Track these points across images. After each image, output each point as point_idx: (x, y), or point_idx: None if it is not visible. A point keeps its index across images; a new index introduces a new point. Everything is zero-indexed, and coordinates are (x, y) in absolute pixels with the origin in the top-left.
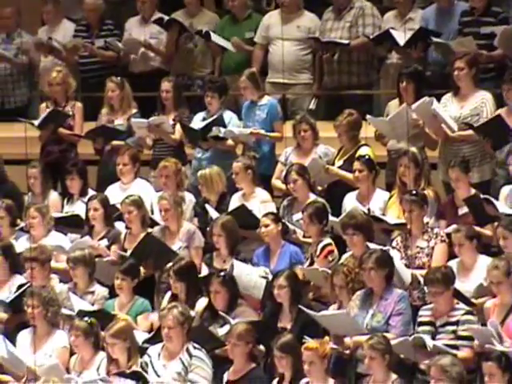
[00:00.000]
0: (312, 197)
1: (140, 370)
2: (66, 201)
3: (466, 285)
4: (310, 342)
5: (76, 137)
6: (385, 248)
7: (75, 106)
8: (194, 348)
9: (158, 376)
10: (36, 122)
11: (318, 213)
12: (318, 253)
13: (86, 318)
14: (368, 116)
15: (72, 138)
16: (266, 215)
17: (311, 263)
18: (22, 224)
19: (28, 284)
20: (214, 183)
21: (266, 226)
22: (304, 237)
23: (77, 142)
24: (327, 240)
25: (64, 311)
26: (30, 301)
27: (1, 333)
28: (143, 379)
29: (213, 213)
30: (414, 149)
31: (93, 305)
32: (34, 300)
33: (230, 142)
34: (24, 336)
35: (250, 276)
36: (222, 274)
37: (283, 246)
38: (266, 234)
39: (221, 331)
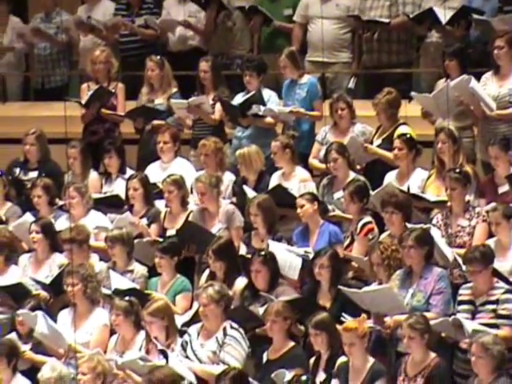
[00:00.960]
0: (352, 175)
1: (179, 350)
2: (104, 180)
3: (503, 264)
4: (348, 322)
5: (119, 117)
6: (425, 226)
7: (117, 86)
8: (231, 327)
9: (196, 355)
10: (83, 101)
11: (359, 191)
12: (358, 231)
13: (126, 298)
14: (413, 93)
15: (115, 118)
16: (301, 196)
17: (351, 241)
18: (61, 203)
19: (67, 264)
20: (252, 162)
21: (302, 206)
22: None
23: (120, 121)
24: (367, 218)
25: (104, 290)
26: (69, 279)
27: (44, 310)
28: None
29: (250, 192)
30: (451, 125)
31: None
32: (72, 278)
33: (269, 120)
34: (64, 315)
35: (285, 256)
36: (263, 253)
37: (322, 226)
38: (302, 214)
39: (261, 310)
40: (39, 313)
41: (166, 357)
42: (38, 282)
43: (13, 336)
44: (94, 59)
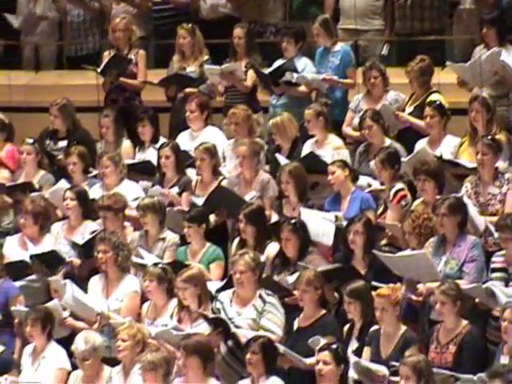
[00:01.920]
0: (388, 142)
1: (222, 316)
2: (137, 148)
3: None
4: (381, 289)
5: (139, 84)
6: (458, 195)
7: (138, 54)
8: (268, 294)
9: (233, 323)
10: (99, 69)
11: (390, 158)
12: (390, 198)
13: (159, 264)
14: (448, 62)
15: (133, 86)
16: (332, 163)
17: (385, 209)
18: (95, 172)
19: (100, 230)
20: (286, 129)
21: (333, 173)
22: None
23: (139, 89)
24: (400, 185)
25: (136, 259)
26: (100, 246)
27: (73, 278)
28: (224, 326)
29: (283, 160)
30: (485, 93)
31: (164, 252)
32: (104, 245)
33: (302, 88)
34: (95, 281)
35: (318, 223)
36: (293, 221)
37: (353, 192)
38: (333, 181)
39: (291, 279)
40: (68, 282)
41: (217, 322)
42: (70, 243)
43: (54, 303)
44: (114, 27)
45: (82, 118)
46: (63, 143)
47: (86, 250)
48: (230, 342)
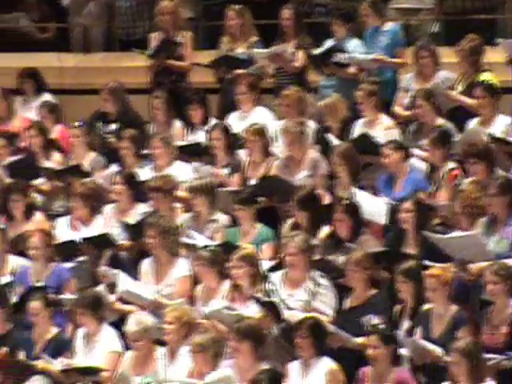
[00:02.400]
0: (440, 121)
1: (274, 300)
2: (188, 130)
3: None
4: (432, 269)
5: (186, 66)
6: (510, 174)
7: (186, 36)
8: (320, 276)
9: (285, 304)
10: (148, 52)
11: (442, 137)
12: (443, 177)
13: (209, 247)
14: (499, 39)
15: (182, 68)
16: (386, 144)
17: (437, 188)
18: (146, 152)
19: (152, 211)
20: (337, 110)
21: (388, 155)
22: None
23: (187, 71)
24: (452, 164)
25: (187, 240)
26: (149, 231)
27: (120, 262)
28: (276, 310)
29: (333, 141)
30: None
31: (215, 233)
32: (153, 230)
33: (352, 69)
34: (146, 265)
35: (372, 202)
36: (346, 201)
37: (407, 174)
38: (388, 163)
39: (343, 260)
40: (120, 273)
41: (269, 305)
42: (122, 225)
43: (101, 287)
44: (161, 9)
45: (132, 100)
46: (114, 126)
47: (136, 231)
48: (282, 324)
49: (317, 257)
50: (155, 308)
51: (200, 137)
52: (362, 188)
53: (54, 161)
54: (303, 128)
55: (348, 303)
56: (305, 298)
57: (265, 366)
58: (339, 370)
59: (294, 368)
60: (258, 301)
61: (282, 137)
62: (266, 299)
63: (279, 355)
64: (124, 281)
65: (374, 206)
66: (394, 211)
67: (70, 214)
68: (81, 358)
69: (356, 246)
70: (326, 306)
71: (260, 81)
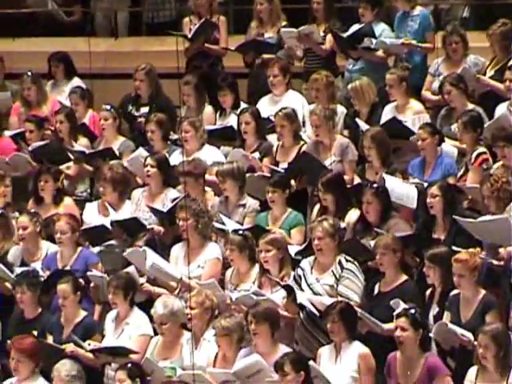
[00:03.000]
0: (470, 106)
1: (291, 284)
2: (218, 115)
3: None
4: (459, 254)
5: (222, 50)
6: None
7: (219, 20)
8: (347, 261)
9: (312, 289)
10: (189, 35)
11: (473, 121)
12: (472, 161)
13: (240, 232)
14: None
15: (218, 52)
16: (423, 128)
17: (465, 172)
18: (175, 137)
19: (182, 196)
20: (365, 94)
21: (424, 139)
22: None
23: (222, 55)
24: (482, 148)
25: (217, 225)
26: (181, 214)
27: (154, 246)
28: (293, 293)
29: (363, 125)
30: None
31: (244, 218)
32: (185, 213)
33: (380, 53)
34: (177, 249)
35: (402, 186)
36: (376, 185)
37: (439, 158)
38: (423, 147)
39: (372, 243)
40: (147, 249)
41: (292, 291)
42: (153, 211)
43: (131, 269)
44: None
45: (162, 85)
46: (145, 109)
47: (168, 217)
48: (308, 309)
49: (347, 239)
50: (184, 288)
51: (231, 121)
52: (392, 172)
53: (81, 146)
54: (331, 112)
55: (378, 288)
56: (330, 282)
57: (284, 349)
58: (370, 354)
59: (324, 353)
60: (279, 284)
61: (310, 120)
62: (284, 283)
63: (307, 340)
64: (152, 256)
65: (405, 191)
66: (423, 196)
67: (93, 199)
68: (111, 340)
69: (385, 231)
70: (350, 290)
71: (290, 65)
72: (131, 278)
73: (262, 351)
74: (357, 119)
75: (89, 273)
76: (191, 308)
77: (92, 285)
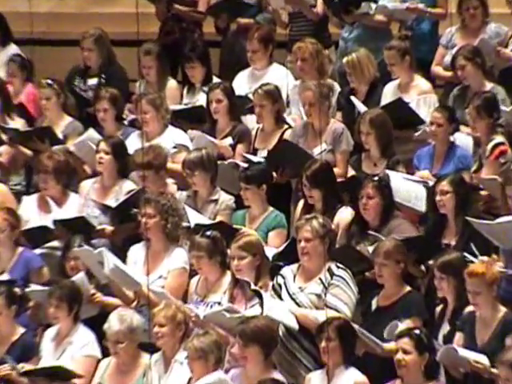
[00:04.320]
0: (488, 86)
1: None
2: (185, 91)
3: None
4: (473, 265)
5: (197, 13)
6: None
7: None
8: (338, 267)
9: (294, 300)
10: None
11: (488, 105)
12: (487, 153)
13: (208, 233)
14: None
15: (193, 15)
16: (440, 111)
17: (480, 166)
18: (131, 117)
19: (137, 189)
20: (363, 69)
21: (440, 125)
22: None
23: (200, 20)
24: (499, 138)
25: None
26: (147, 209)
27: (106, 249)
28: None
29: (360, 106)
30: None
31: (216, 216)
32: (151, 208)
33: (380, 17)
34: (136, 252)
35: (408, 186)
36: (377, 177)
37: (451, 148)
38: (435, 134)
39: (371, 250)
40: (104, 250)
41: (260, 297)
42: (101, 206)
43: (80, 277)
44: None
45: (116, 54)
46: (94, 81)
47: (120, 213)
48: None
49: (339, 245)
50: (142, 300)
51: (200, 99)
52: (395, 163)
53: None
54: (324, 90)
55: (376, 302)
56: (316, 291)
57: (277, 375)
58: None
59: (314, 379)
60: (255, 293)
61: (297, 101)
62: (254, 288)
63: (287, 363)
64: (111, 258)
65: (412, 191)
66: (432, 193)
67: (31, 191)
68: (48, 362)
69: (386, 234)
70: (339, 301)
71: (273, 33)
72: (76, 287)
73: (252, 376)
74: (353, 98)
75: (27, 289)
76: (160, 325)
77: (31, 304)
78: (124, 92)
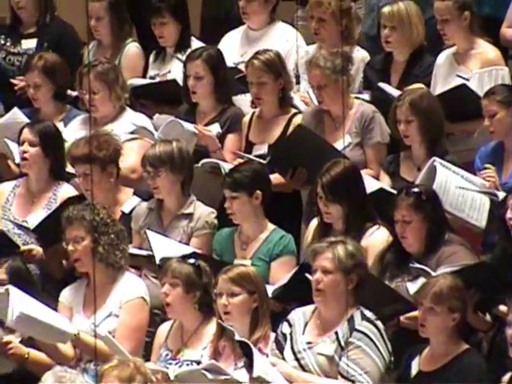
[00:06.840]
0: None
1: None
2: (152, 58)
3: None
4: None
5: None
6: None
7: None
8: (363, 318)
9: (299, 360)
10: None
11: None
12: None
13: (191, 260)
14: None
15: None
16: (488, 95)
17: None
18: (75, 94)
19: (68, 198)
20: (412, 26)
21: (492, 114)
22: None
23: None
24: None
25: (135, 251)
26: (69, 232)
27: (27, 279)
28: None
29: (392, 91)
30: None
31: (189, 238)
32: (75, 229)
33: None
34: (72, 291)
35: (463, 191)
36: (417, 189)
37: None
38: (492, 127)
39: (412, 287)
40: (11, 288)
41: (248, 352)
42: (19, 227)
43: None
44: None
45: (61, 9)
46: (29, 43)
47: (44, 235)
48: None
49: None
50: (84, 352)
51: (173, 71)
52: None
53: None
54: (345, 61)
55: (418, 365)
56: (329, 351)
57: None
58: None
59: None
60: (241, 347)
61: (309, 76)
62: (240, 339)
63: None
64: (19, 298)
65: (469, 198)
66: (499, 207)
67: None
68: None
69: (435, 265)
70: (358, 369)
71: None
72: None
73: None
74: (382, 85)
75: None
76: None
77: None
78: (71, 60)
